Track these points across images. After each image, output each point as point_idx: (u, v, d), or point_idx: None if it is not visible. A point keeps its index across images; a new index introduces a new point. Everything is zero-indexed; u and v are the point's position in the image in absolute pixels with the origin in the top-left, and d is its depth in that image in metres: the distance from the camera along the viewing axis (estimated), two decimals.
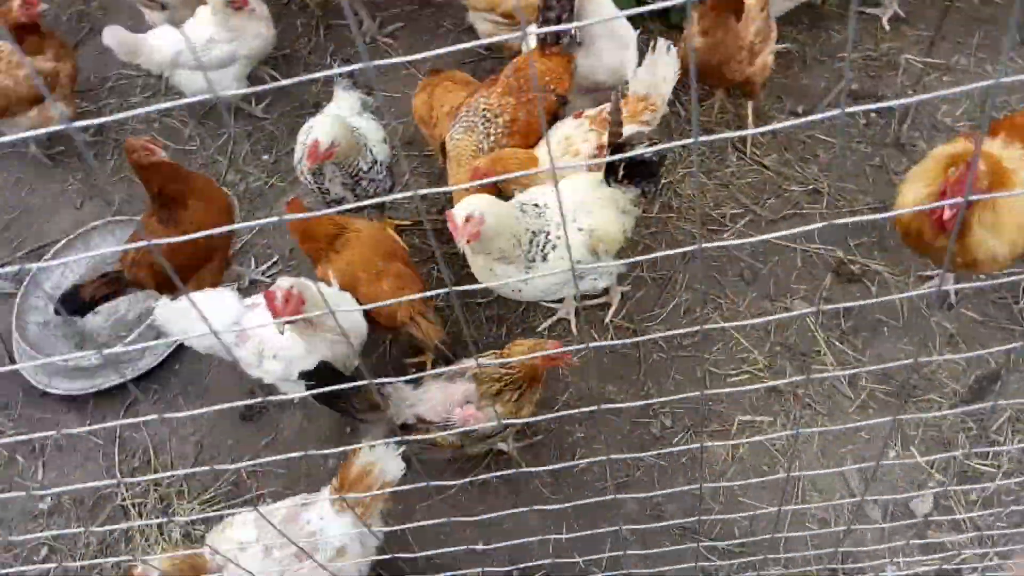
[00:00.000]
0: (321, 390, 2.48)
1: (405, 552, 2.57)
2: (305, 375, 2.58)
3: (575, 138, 3.10)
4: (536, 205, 2.76)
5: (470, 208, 2.54)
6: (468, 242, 2.47)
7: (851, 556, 2.76)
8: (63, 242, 3.87)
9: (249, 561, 2.44)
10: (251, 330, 2.81)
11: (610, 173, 2.75)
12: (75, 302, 3.06)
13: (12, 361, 3.72)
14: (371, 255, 3.05)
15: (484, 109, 3.12)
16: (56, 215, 4.17)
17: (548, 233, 2.69)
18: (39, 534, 3.25)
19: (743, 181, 3.68)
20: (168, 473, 3.33)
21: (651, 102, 3.15)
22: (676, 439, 3.11)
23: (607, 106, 3.07)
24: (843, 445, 3.00)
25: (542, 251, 2.70)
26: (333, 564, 2.54)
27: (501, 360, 2.58)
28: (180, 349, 3.60)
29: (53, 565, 3.29)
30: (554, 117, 3.31)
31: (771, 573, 2.77)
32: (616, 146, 2.70)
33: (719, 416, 3.12)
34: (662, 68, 3.09)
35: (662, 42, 3.05)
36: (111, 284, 3.12)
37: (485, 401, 2.63)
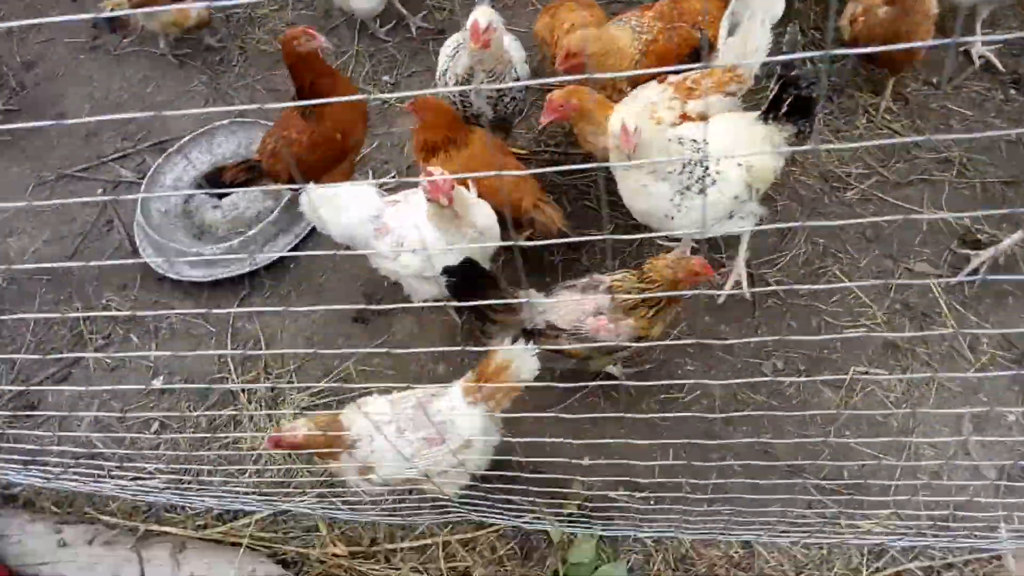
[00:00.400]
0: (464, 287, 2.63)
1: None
2: (449, 270, 2.71)
3: (659, 105, 3.12)
4: (694, 140, 2.86)
5: (627, 120, 2.65)
6: (633, 149, 2.58)
7: (962, 508, 2.82)
8: (188, 137, 4.07)
9: (382, 439, 2.60)
10: (393, 224, 2.96)
11: (770, 110, 2.84)
12: (216, 182, 3.25)
13: (132, 246, 3.94)
14: (489, 154, 3.21)
15: (635, 23, 3.22)
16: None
17: (707, 168, 2.80)
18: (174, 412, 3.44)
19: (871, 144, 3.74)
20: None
21: (738, 73, 3.16)
22: (788, 382, 3.20)
23: (692, 73, 3.15)
24: (959, 405, 3.06)
25: (699, 182, 2.80)
26: (459, 455, 2.69)
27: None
28: (297, 248, 3.78)
29: (164, 437, 3.50)
30: (695, 55, 3.39)
31: (879, 513, 2.86)
32: (784, 83, 2.78)
33: (833, 364, 3.20)
34: (753, 40, 3.08)
35: (759, 13, 3.08)
36: (249, 171, 3.30)
37: (618, 315, 2.74)
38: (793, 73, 2.75)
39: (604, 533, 2.97)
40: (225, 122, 4.08)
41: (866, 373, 3.17)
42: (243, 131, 4.10)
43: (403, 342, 3.50)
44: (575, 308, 2.74)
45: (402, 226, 2.94)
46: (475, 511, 3.00)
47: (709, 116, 3.11)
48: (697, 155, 2.82)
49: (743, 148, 2.82)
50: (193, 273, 3.74)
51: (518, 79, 3.31)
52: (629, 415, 3.17)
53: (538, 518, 3.01)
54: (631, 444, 3.06)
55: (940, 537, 2.75)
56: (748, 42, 3.12)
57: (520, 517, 3.02)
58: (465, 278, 2.65)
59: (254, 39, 4.55)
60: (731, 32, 3.18)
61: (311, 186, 3.02)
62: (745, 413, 3.12)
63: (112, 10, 4.08)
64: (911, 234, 3.48)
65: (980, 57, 3.86)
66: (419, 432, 2.64)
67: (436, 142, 3.13)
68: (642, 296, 2.66)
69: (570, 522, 3.00)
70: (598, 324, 2.71)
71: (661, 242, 3.56)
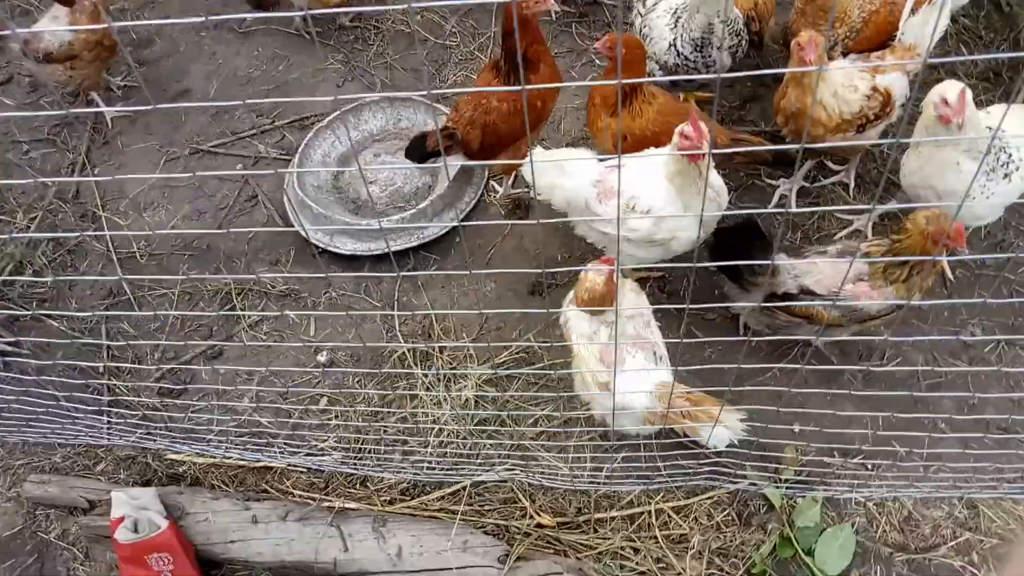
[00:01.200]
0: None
1: None
2: (724, 231, 2.77)
3: (852, 75, 3.29)
4: (988, 128, 2.98)
5: (957, 87, 2.76)
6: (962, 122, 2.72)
7: None
8: (336, 113, 4.12)
9: (579, 322, 2.85)
10: (621, 187, 3.02)
11: None
12: (421, 149, 3.32)
13: (285, 221, 3.95)
14: (677, 103, 3.34)
15: None
16: (316, 91, 4.43)
17: (1011, 155, 2.94)
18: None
19: None
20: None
21: (917, 51, 3.36)
22: (987, 348, 3.34)
23: (877, 54, 3.35)
24: None
25: (1004, 168, 2.94)
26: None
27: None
28: (465, 223, 3.84)
29: (333, 417, 3.49)
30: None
31: None
32: None
33: None
34: (933, 20, 3.28)
35: None
36: (448, 139, 3.37)
37: (878, 280, 2.82)
38: None
39: (825, 494, 3.05)
40: (375, 97, 4.15)
41: None
42: (391, 108, 4.17)
43: None
44: (833, 273, 2.83)
45: (631, 189, 3.01)
46: (685, 477, 3.07)
47: (892, 91, 3.29)
48: (998, 143, 2.95)
49: None
50: (357, 246, 3.76)
51: (745, 22, 3.42)
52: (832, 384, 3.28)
53: (753, 484, 3.09)
54: (839, 410, 3.16)
55: None
56: (929, 22, 3.31)
57: (735, 483, 3.09)
58: (739, 240, 2.74)
59: (388, 18, 4.63)
60: (912, 12, 3.38)
61: (538, 150, 3.09)
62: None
63: None
64: None
65: None
66: (609, 353, 2.76)
67: (632, 84, 3.17)
68: (891, 255, 2.75)
69: (789, 487, 3.08)
70: (859, 290, 2.80)
71: (841, 216, 3.70)
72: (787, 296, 2.89)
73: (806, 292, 2.87)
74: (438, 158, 3.42)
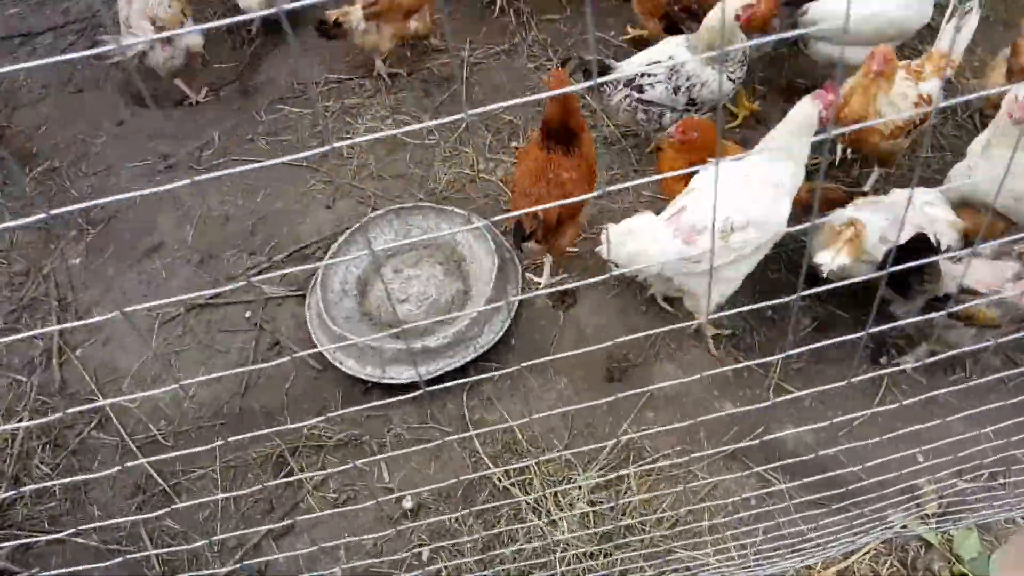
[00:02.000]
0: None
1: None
2: (901, 249, 2.73)
3: (902, 84, 3.45)
4: None
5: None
6: None
7: None
8: (344, 235, 3.81)
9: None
10: (699, 221, 2.94)
11: None
12: (522, 233, 3.24)
13: (320, 363, 3.58)
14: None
15: None
16: (307, 217, 4.09)
17: None
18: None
19: None
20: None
21: (952, 60, 3.58)
22: None
23: (916, 62, 3.53)
24: None
25: None
26: None
27: None
28: (515, 323, 3.61)
29: (440, 566, 3.13)
30: None
31: None
32: None
33: None
34: (966, 28, 3.55)
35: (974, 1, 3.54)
36: (535, 221, 3.24)
37: None
38: None
39: (976, 520, 3.00)
40: (380, 212, 3.86)
41: None
42: (398, 219, 3.90)
43: (671, 393, 3.40)
44: (994, 272, 2.85)
45: (725, 211, 2.96)
46: (834, 539, 2.95)
47: (933, 97, 3.43)
48: None
49: None
50: (415, 373, 3.44)
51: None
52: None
53: (904, 527, 3.00)
54: (950, 431, 3.14)
55: None
56: (964, 29, 3.52)
57: (885, 533, 3.00)
58: (913, 255, 2.68)
59: (361, 126, 4.37)
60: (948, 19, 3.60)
61: (611, 226, 2.96)
62: None
63: (337, 20, 4.21)
64: None
65: None
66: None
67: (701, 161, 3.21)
68: None
69: (938, 520, 3.01)
70: (1020, 288, 2.82)
71: None
72: (947, 297, 2.89)
73: (967, 292, 2.88)
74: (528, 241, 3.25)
